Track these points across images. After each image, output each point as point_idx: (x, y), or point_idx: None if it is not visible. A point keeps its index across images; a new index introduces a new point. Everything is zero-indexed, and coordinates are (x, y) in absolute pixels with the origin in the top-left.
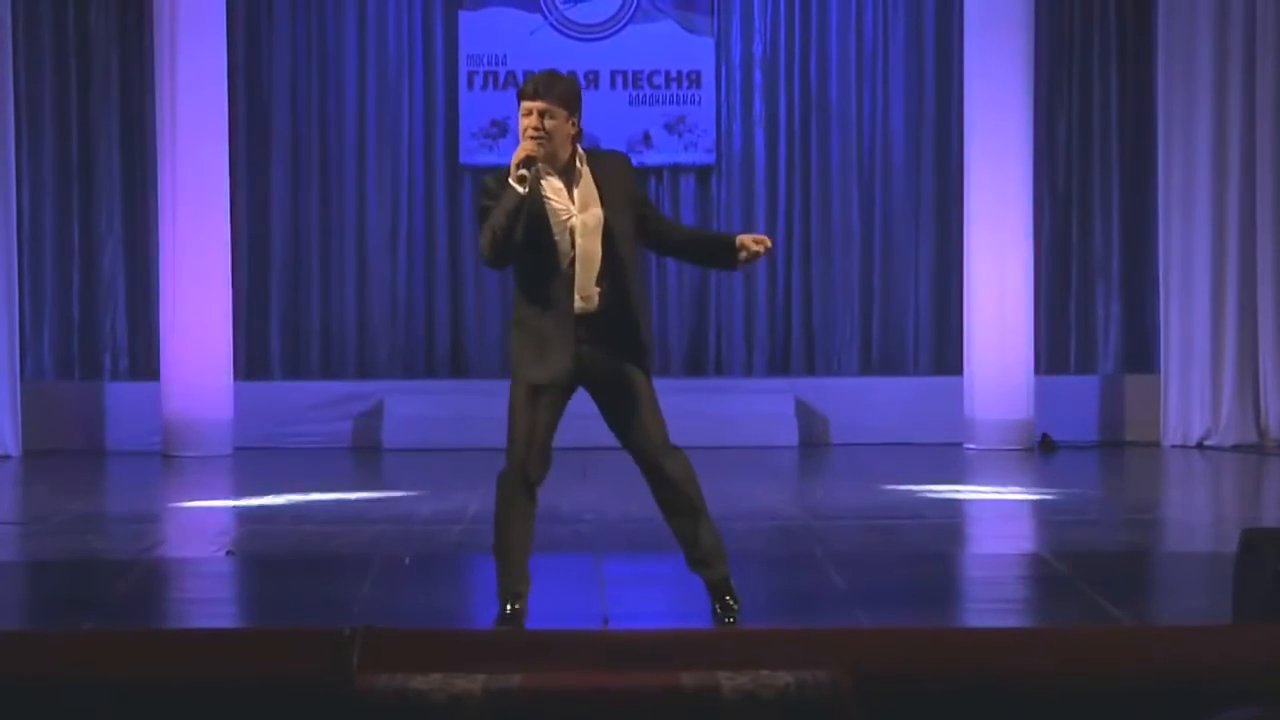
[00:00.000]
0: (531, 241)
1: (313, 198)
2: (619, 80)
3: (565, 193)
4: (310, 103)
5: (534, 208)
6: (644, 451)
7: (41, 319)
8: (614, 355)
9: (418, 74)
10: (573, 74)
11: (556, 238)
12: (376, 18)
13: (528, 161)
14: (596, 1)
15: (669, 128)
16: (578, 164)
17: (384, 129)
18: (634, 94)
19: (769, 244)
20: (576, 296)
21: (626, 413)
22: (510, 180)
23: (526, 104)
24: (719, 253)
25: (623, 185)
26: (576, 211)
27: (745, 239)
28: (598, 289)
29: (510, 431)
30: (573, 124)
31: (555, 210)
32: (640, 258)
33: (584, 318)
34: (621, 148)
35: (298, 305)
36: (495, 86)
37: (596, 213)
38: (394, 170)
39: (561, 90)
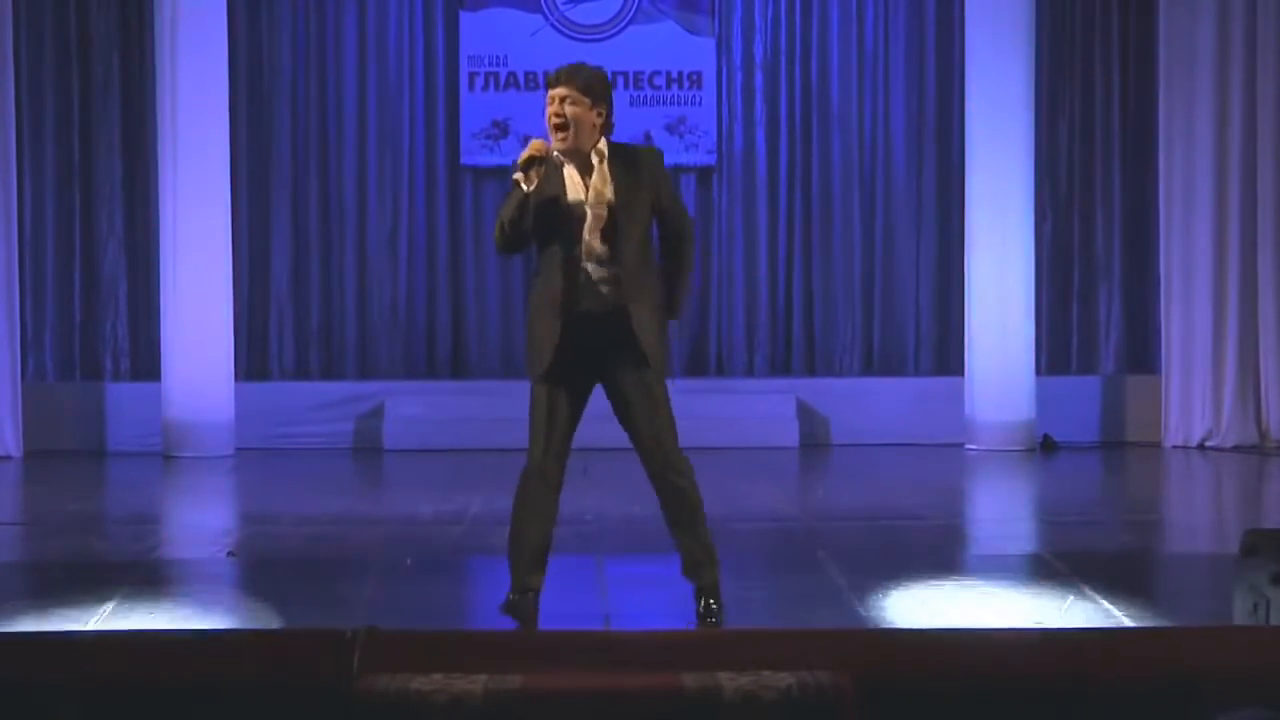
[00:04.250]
0: (544, 234)
1: (313, 198)
2: (620, 81)
3: (582, 185)
4: (310, 103)
5: (552, 200)
6: (649, 457)
7: (43, 320)
8: (623, 353)
9: (418, 74)
10: (601, 67)
11: (567, 231)
12: (377, 18)
13: (530, 162)
14: (597, 2)
15: (670, 129)
16: (600, 156)
17: (384, 129)
18: (635, 95)
19: None
20: (584, 289)
21: (633, 415)
22: (512, 175)
23: (550, 92)
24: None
25: (641, 180)
26: (590, 205)
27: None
28: (606, 285)
29: (530, 429)
30: (598, 114)
31: (570, 204)
32: (653, 255)
33: (592, 312)
34: None
35: (298, 306)
36: (496, 87)
37: (607, 207)
38: (394, 170)
39: (584, 78)
